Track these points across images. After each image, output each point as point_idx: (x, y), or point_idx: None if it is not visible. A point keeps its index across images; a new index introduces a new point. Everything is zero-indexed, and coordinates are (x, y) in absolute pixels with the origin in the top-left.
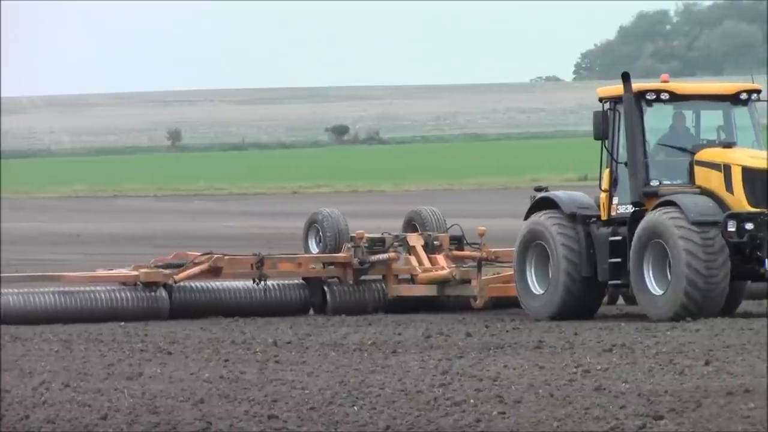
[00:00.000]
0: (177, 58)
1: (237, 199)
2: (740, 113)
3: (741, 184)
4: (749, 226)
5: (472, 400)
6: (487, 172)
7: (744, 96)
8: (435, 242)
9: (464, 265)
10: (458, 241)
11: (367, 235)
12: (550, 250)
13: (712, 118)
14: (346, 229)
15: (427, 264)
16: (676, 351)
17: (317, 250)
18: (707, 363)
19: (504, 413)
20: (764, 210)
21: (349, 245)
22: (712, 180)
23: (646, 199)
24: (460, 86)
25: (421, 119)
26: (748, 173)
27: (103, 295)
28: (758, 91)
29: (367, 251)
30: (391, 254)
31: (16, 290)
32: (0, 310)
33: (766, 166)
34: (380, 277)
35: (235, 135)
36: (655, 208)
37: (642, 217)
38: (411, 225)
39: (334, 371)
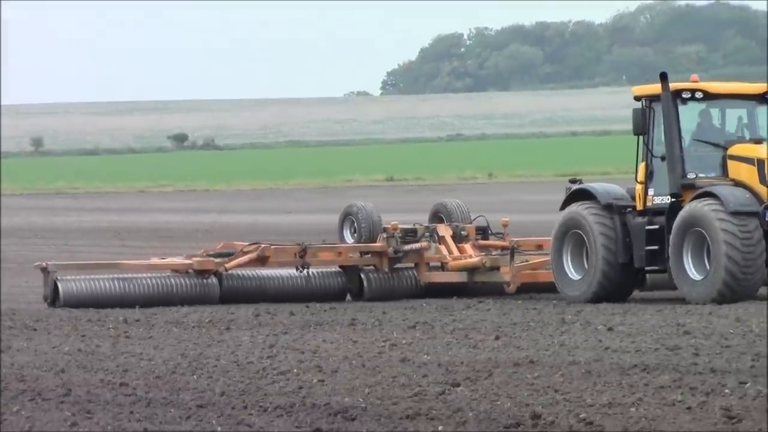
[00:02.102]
0: (41, 73)
1: (92, 197)
2: (761, 111)
3: None
4: None
5: (295, 370)
6: (306, 175)
7: None
8: (462, 232)
9: (490, 254)
10: (483, 232)
11: (400, 226)
12: (588, 238)
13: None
14: (379, 221)
15: (456, 253)
16: (470, 327)
17: (352, 241)
18: (497, 338)
19: (323, 381)
20: None
21: (384, 236)
22: (745, 173)
23: (683, 190)
24: (284, 99)
25: (250, 128)
26: None
27: (158, 281)
28: None
29: (400, 241)
30: (423, 244)
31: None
32: (60, 295)
33: None
34: (412, 265)
35: (90, 142)
36: (694, 198)
37: (680, 207)
38: (437, 217)
39: (176, 345)
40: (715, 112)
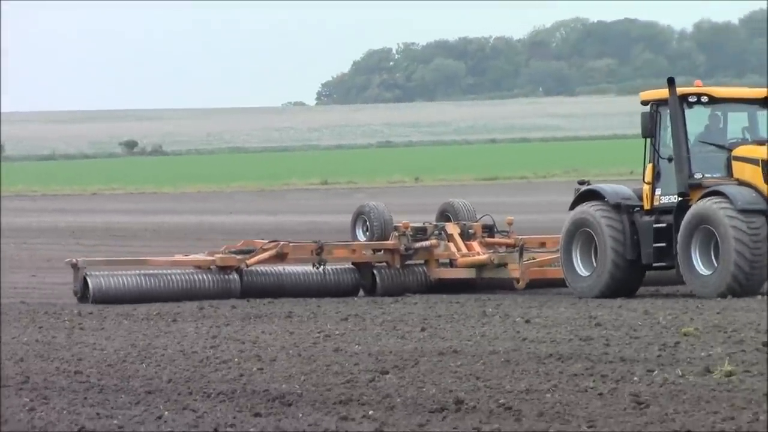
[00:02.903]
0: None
1: (49, 199)
2: (761, 115)
3: None
4: None
5: (236, 359)
6: (247, 178)
7: None
8: (470, 230)
9: (497, 251)
10: (489, 230)
11: (411, 224)
12: (597, 236)
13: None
14: (390, 220)
15: (464, 250)
16: (398, 320)
17: (364, 239)
18: (423, 329)
19: (262, 369)
20: None
21: (396, 234)
22: (749, 173)
23: (690, 190)
24: (226, 109)
25: (196, 135)
26: None
27: (182, 277)
28: None
29: (411, 239)
30: (433, 241)
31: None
32: (90, 291)
33: None
34: (423, 261)
35: (47, 148)
36: (702, 197)
37: (687, 206)
38: (444, 215)
39: (127, 336)
40: (719, 116)
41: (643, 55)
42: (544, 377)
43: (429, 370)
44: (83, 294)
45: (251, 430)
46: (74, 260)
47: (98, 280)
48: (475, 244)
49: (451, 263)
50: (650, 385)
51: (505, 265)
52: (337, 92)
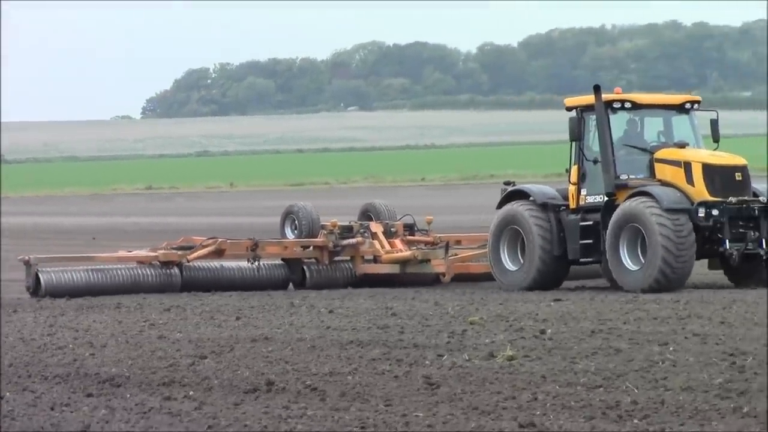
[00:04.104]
0: None
1: None
2: (679, 120)
3: (701, 177)
4: (715, 212)
5: (70, 345)
6: (80, 184)
7: (688, 105)
8: (392, 229)
9: (420, 248)
10: (410, 228)
11: (338, 223)
12: (525, 234)
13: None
14: (318, 219)
15: (388, 247)
16: (215, 310)
17: (293, 236)
18: (238, 318)
19: (94, 354)
20: (724, 199)
21: (324, 232)
22: (672, 174)
23: (616, 190)
24: (61, 122)
25: (33, 146)
26: (708, 169)
27: (127, 272)
28: (698, 102)
29: (338, 237)
30: (359, 239)
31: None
32: (42, 285)
33: (722, 163)
34: (349, 258)
35: None
36: (629, 197)
37: (614, 205)
38: (366, 215)
39: None
40: (637, 121)
41: (434, 75)
42: (346, 361)
43: (243, 355)
44: (35, 289)
45: (84, 408)
46: (27, 257)
47: (49, 276)
48: (397, 242)
49: (376, 259)
50: (440, 368)
51: (428, 260)
52: (160, 107)
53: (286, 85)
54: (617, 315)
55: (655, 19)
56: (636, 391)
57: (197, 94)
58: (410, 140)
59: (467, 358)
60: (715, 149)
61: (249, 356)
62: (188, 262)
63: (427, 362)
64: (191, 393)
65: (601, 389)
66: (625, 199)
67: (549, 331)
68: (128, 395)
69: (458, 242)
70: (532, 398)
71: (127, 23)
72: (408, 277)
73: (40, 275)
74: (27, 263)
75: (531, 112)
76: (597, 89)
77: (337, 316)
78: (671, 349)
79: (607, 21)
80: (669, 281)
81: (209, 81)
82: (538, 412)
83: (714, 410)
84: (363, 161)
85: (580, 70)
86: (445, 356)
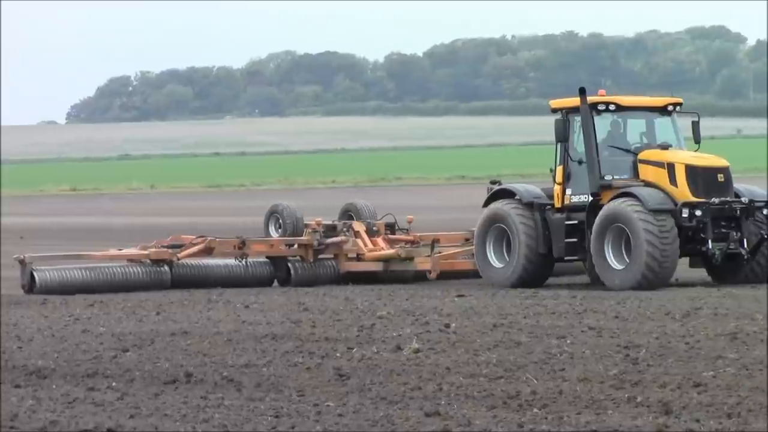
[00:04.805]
0: None
1: None
2: (661, 122)
3: (684, 178)
4: (698, 213)
5: None
6: (7, 186)
7: (670, 108)
8: (374, 228)
9: (402, 246)
10: (391, 227)
11: (322, 222)
12: (511, 232)
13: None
14: (301, 218)
15: (370, 245)
16: (137, 305)
17: (277, 235)
18: (158, 313)
19: (21, 347)
20: (707, 200)
21: (309, 230)
22: (655, 175)
23: (601, 190)
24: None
25: None
26: (691, 170)
27: (119, 270)
28: (680, 104)
29: (323, 235)
30: (342, 237)
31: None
32: (36, 283)
33: (705, 165)
34: (333, 256)
35: None
36: (614, 198)
37: (599, 205)
38: (347, 215)
39: None
40: (620, 123)
41: (344, 83)
42: (261, 354)
43: (163, 348)
44: (30, 287)
45: (12, 399)
46: (21, 256)
47: (43, 274)
48: (379, 240)
49: (359, 257)
50: (350, 360)
51: (411, 258)
52: (84, 112)
53: (203, 93)
54: (517, 310)
55: (553, 30)
56: (535, 381)
57: (119, 100)
58: (322, 145)
59: (376, 350)
60: (696, 150)
61: (169, 349)
62: (178, 260)
63: (337, 355)
64: (114, 384)
65: (503, 380)
66: (610, 200)
67: (453, 325)
68: (54, 386)
69: (437, 240)
70: (437, 389)
71: (51, 30)
72: (390, 275)
73: (34, 274)
74: (22, 262)
75: (435, 118)
76: (582, 92)
77: (253, 310)
78: (568, 342)
79: (507, 32)
80: (653, 280)
81: (131, 88)
82: (443, 402)
83: (609, 400)
84: (277, 164)
85: (482, 78)
86: (355, 349)
